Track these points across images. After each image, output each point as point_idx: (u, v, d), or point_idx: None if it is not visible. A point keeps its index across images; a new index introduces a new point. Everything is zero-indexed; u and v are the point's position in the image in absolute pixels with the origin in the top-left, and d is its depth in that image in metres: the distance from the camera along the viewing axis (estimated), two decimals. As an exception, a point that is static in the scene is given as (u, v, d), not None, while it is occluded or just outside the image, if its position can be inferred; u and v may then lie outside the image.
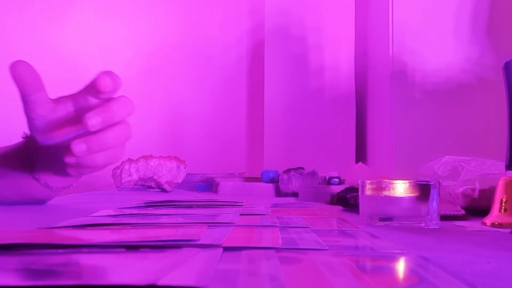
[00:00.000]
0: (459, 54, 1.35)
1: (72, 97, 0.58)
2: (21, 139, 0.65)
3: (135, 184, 1.25)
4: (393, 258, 0.29)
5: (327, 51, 1.72)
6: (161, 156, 1.26)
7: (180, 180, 1.27)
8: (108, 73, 0.54)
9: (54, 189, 0.65)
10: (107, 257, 0.26)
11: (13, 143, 0.66)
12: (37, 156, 0.62)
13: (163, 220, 0.47)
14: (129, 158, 1.21)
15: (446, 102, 1.33)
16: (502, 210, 0.50)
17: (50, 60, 1.52)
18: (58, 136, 0.56)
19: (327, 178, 1.20)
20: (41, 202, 0.69)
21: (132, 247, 0.29)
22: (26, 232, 0.36)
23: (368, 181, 0.51)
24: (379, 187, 0.50)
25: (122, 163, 1.20)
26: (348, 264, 0.25)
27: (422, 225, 0.48)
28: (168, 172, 1.24)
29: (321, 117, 1.69)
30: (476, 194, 0.62)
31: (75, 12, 1.68)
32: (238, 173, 1.48)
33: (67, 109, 0.57)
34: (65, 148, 0.54)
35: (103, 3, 1.73)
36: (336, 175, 1.21)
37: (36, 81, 0.55)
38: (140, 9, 1.77)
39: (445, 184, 0.66)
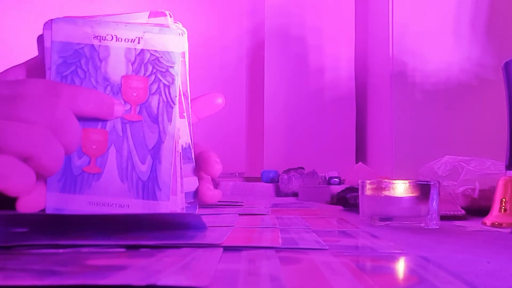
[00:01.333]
0: (459, 54, 1.35)
1: None
2: None
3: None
4: (393, 258, 0.29)
5: (327, 51, 1.72)
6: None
7: (180, 180, 1.27)
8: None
9: None
10: (107, 257, 0.26)
11: None
12: None
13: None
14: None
15: (446, 102, 1.34)
16: (502, 210, 0.50)
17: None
18: None
19: (327, 178, 1.21)
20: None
21: (132, 247, 0.29)
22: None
23: (368, 181, 0.51)
24: (379, 187, 0.50)
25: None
26: (348, 264, 0.25)
27: (422, 225, 0.48)
28: (168, 172, 1.24)
29: (321, 117, 1.69)
30: (476, 194, 0.62)
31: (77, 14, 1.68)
32: (238, 173, 1.48)
33: None
34: None
35: (103, 3, 1.73)
36: (336, 175, 1.21)
37: None
38: (140, 9, 1.77)
39: (445, 184, 0.66)
